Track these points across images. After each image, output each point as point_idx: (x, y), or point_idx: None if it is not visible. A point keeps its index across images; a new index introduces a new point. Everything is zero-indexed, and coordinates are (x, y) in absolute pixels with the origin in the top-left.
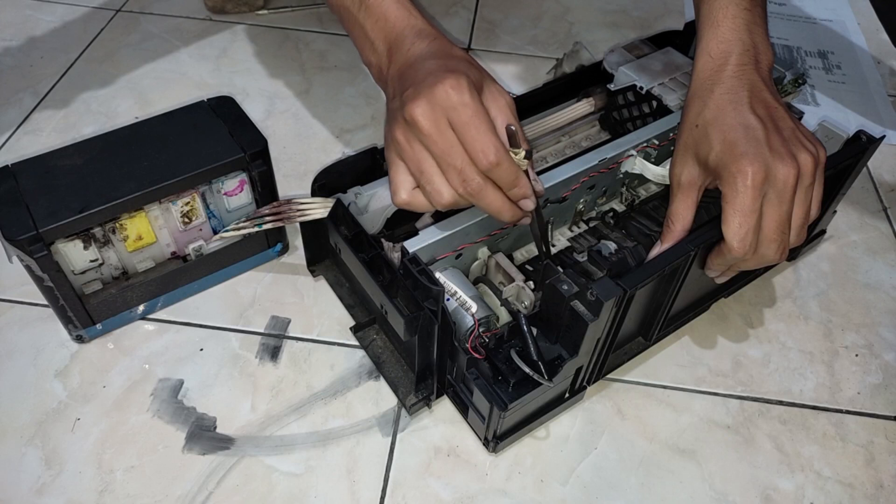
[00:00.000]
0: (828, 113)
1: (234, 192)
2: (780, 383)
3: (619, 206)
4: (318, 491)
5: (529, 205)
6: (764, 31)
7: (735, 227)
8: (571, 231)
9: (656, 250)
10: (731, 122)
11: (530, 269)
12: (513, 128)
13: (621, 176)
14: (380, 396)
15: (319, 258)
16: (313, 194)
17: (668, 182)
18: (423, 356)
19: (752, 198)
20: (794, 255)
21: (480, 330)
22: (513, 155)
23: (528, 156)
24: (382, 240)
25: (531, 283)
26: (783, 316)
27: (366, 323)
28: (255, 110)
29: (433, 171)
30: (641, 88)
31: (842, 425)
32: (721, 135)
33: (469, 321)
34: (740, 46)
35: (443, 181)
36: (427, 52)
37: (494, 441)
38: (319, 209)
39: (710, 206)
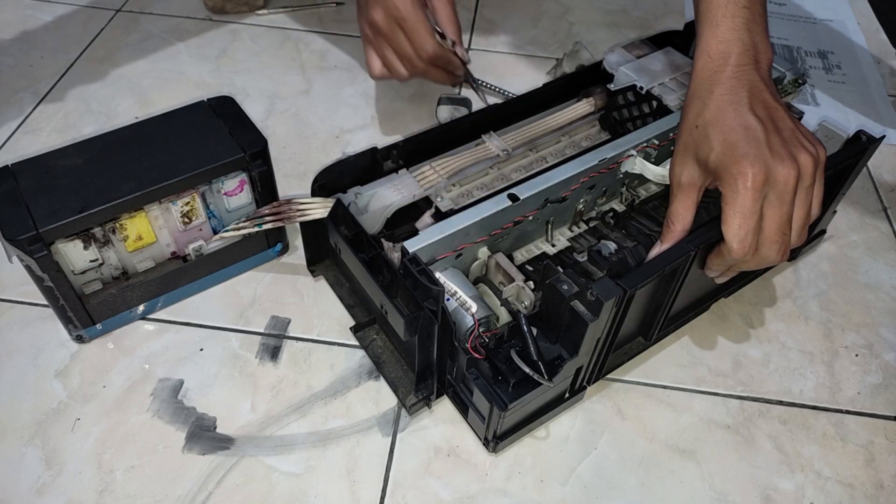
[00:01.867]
0: (828, 113)
1: (234, 192)
2: (780, 383)
3: (619, 206)
4: (318, 491)
5: (460, 71)
6: (763, 30)
7: (735, 229)
8: (571, 231)
9: (656, 250)
10: (731, 124)
11: (530, 269)
12: (439, 31)
13: (621, 176)
14: (380, 396)
15: (319, 258)
16: (313, 194)
17: (668, 182)
18: (423, 356)
19: (752, 199)
20: (794, 255)
21: (480, 330)
22: (445, 43)
23: (455, 42)
24: (382, 240)
25: (531, 283)
26: (783, 316)
27: (366, 323)
28: (255, 110)
29: (392, 57)
30: (641, 88)
31: (842, 425)
32: (721, 136)
33: (469, 321)
34: (739, 46)
35: (399, 64)
36: None
37: (494, 441)
38: (319, 209)
39: (710, 207)
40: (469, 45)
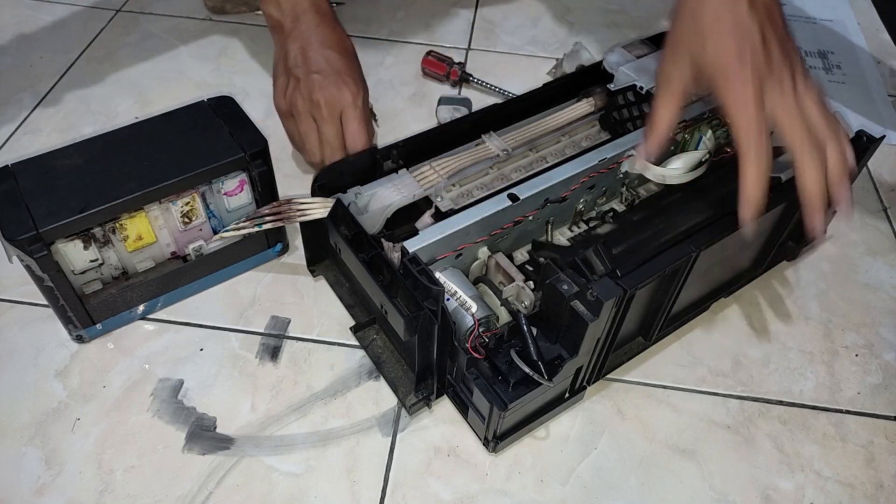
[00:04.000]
0: None
1: (234, 192)
2: (780, 383)
3: (619, 206)
4: (318, 491)
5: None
6: None
7: (746, 120)
8: (571, 231)
9: (641, 158)
10: (728, 27)
11: (530, 269)
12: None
13: (621, 176)
14: (380, 396)
15: (319, 258)
16: (313, 194)
17: (668, 182)
18: (423, 356)
19: (755, 108)
20: (794, 254)
21: (480, 330)
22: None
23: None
24: (382, 240)
25: (531, 283)
26: (783, 316)
27: (366, 323)
28: (255, 110)
29: (313, 139)
30: (641, 88)
31: (842, 425)
32: (718, 38)
33: (469, 321)
34: None
35: (317, 148)
36: (329, 40)
37: (494, 441)
38: (319, 209)
39: (707, 194)
40: (469, 44)
